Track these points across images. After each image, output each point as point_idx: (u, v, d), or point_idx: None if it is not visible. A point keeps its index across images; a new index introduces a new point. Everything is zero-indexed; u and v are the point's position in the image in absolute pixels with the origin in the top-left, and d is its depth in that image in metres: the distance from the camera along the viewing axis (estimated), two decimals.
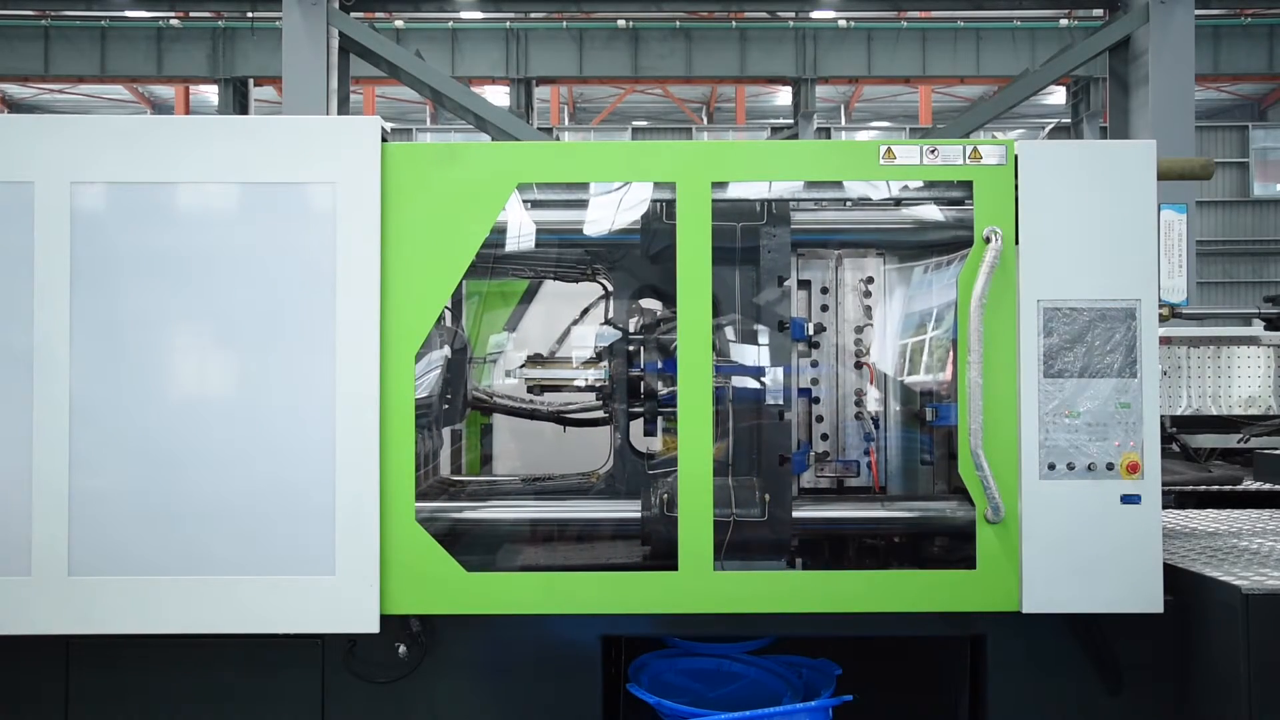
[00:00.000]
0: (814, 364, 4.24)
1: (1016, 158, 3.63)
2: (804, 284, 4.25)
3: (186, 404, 3.64)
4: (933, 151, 3.66)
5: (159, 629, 3.60)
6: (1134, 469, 3.60)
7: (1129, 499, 3.60)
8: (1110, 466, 3.60)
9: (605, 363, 4.05)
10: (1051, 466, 3.59)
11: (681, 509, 3.62)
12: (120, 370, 3.61)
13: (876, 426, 4.21)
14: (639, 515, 3.84)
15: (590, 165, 3.80)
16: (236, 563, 3.58)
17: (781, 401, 3.92)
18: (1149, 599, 3.60)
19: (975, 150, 3.65)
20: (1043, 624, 3.68)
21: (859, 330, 4.26)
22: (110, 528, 3.59)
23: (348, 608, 3.58)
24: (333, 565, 3.58)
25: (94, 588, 3.57)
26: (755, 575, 3.70)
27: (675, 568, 3.62)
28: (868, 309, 4.27)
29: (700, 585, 3.61)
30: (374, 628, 3.59)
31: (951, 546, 3.91)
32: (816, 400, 4.24)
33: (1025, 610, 3.60)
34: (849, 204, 4.16)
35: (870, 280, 4.26)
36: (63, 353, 3.58)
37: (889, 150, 3.66)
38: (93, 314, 3.60)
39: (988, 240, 3.58)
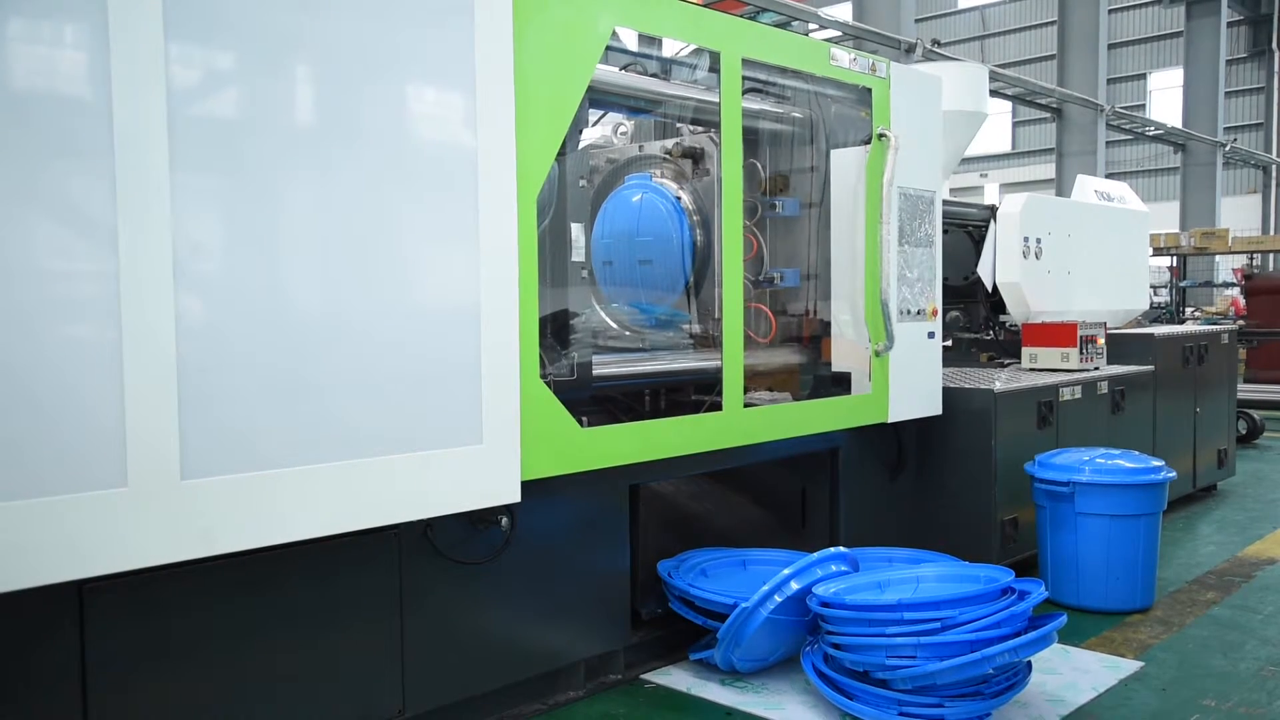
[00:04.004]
0: None
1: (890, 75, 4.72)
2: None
3: (318, 250, 2.78)
4: (853, 60, 4.55)
5: (297, 535, 2.76)
6: (934, 313, 5.05)
7: (930, 334, 5.04)
8: (920, 311, 4.98)
9: None
10: (905, 312, 4.84)
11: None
12: (239, 205, 2.61)
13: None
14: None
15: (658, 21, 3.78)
16: (387, 441, 2.91)
17: None
18: (937, 406, 5.10)
19: (874, 64, 4.64)
20: (863, 434, 4.91)
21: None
22: (233, 411, 2.61)
23: (495, 478, 3.20)
24: (480, 433, 3.14)
25: (217, 493, 2.58)
26: (758, 409, 4.28)
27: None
28: None
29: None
30: (517, 497, 3.27)
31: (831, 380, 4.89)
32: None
33: (890, 420, 4.81)
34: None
35: None
36: (161, 181, 2.45)
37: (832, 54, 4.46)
38: (196, 121, 2.53)
39: (882, 137, 4.61)
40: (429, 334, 3.01)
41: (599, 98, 4.09)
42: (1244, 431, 9.55)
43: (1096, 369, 6.07)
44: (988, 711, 3.46)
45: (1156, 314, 14.47)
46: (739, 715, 3.67)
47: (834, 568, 3.88)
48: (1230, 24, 27.40)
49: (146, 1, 2.41)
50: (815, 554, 3.89)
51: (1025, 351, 6.11)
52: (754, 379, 4.63)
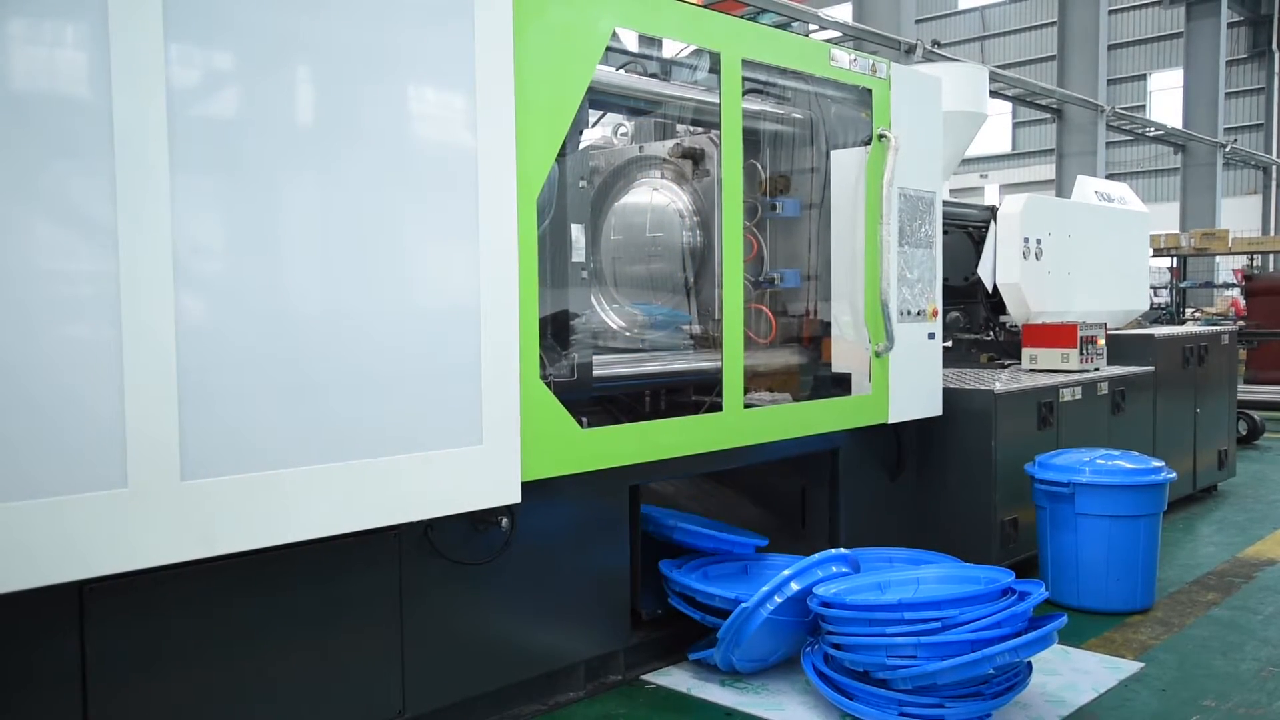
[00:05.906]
0: None
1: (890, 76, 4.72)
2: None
3: (318, 250, 2.78)
4: (853, 60, 4.55)
5: (297, 535, 2.76)
6: (934, 314, 5.05)
7: (930, 335, 5.04)
8: (921, 312, 4.98)
9: None
10: (905, 313, 4.84)
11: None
12: (239, 205, 2.62)
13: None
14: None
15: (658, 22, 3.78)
16: (388, 441, 2.92)
17: None
18: (937, 406, 5.10)
19: (874, 65, 4.64)
20: (863, 435, 4.90)
21: None
22: (233, 411, 2.61)
23: (495, 479, 3.20)
24: (480, 434, 3.14)
25: (217, 494, 2.58)
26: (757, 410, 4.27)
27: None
28: None
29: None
30: (518, 497, 3.27)
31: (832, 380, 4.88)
32: None
33: (890, 420, 4.81)
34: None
35: None
36: (161, 181, 2.46)
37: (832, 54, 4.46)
38: (195, 121, 2.53)
39: (882, 138, 4.61)
40: (429, 334, 3.01)
41: (599, 98, 4.10)
42: (1244, 432, 9.55)
43: (1097, 370, 6.07)
44: (988, 712, 3.46)
45: (1156, 315, 14.46)
46: (739, 716, 3.67)
47: (834, 568, 3.88)
48: (1230, 25, 27.40)
49: (146, 1, 2.41)
50: (816, 554, 3.89)
51: (1025, 352, 6.11)
52: (754, 380, 4.63)
